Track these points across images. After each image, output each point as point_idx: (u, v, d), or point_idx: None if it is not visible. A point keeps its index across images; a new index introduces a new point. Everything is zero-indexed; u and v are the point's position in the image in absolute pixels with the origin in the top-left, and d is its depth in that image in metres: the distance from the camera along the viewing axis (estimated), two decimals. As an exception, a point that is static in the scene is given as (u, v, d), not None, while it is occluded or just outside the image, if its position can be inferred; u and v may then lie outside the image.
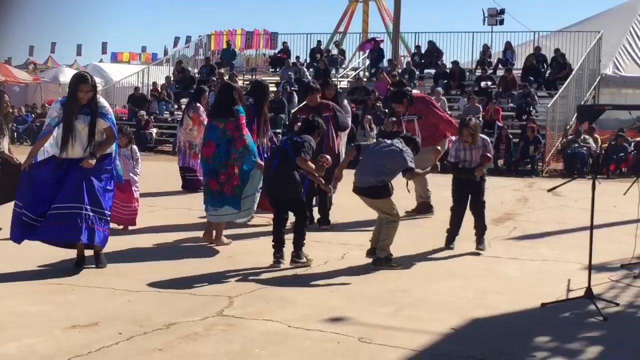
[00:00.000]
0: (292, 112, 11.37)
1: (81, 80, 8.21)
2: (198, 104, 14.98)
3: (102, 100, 8.43)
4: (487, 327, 6.74)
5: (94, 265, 8.40)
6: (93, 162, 8.16)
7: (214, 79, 28.73)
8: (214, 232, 9.88)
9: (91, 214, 8.11)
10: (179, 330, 6.37)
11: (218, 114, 9.84)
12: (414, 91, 14.61)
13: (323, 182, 9.26)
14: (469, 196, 9.84)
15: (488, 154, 9.81)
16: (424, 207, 12.46)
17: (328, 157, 9.38)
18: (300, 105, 11.71)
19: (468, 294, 7.77)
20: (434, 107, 12.51)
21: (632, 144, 20.89)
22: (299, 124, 10.05)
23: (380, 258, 8.79)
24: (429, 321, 6.78)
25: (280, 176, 8.78)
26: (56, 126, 8.20)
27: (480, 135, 9.83)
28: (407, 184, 9.51)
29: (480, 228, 9.84)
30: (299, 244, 8.81)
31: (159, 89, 30.21)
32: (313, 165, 8.88)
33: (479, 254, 9.60)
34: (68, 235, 8.16)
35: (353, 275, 8.43)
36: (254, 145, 9.83)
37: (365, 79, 28.71)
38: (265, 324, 6.63)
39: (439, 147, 11.14)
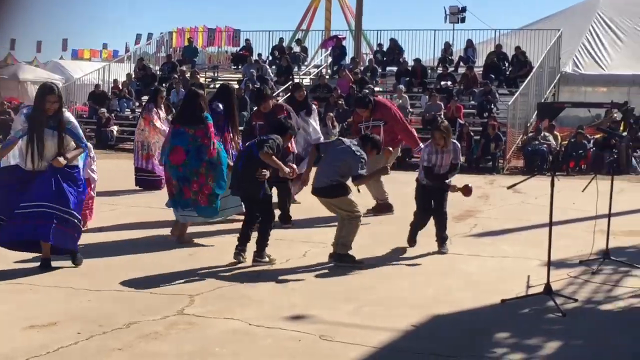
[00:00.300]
0: (247, 119, 11.24)
1: (48, 91, 8.11)
2: (151, 105, 15.03)
3: (67, 115, 8.29)
4: (448, 324, 6.78)
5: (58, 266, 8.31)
6: (64, 162, 8.08)
7: (176, 76, 28.57)
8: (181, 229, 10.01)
9: (60, 214, 8.02)
10: (139, 329, 6.33)
11: (186, 120, 9.77)
12: (378, 97, 14.54)
13: (286, 170, 9.18)
14: (432, 203, 9.71)
15: (469, 186, 9.72)
16: (383, 207, 12.40)
17: (295, 168, 9.56)
18: (254, 110, 11.59)
19: (429, 291, 7.81)
20: (397, 114, 12.57)
21: (591, 141, 21.10)
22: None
23: (341, 255, 8.79)
24: (390, 318, 6.81)
25: (245, 176, 8.78)
26: (20, 139, 8.11)
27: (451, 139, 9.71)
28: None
29: (441, 239, 9.71)
30: (262, 244, 8.80)
31: (120, 86, 29.99)
32: (278, 161, 8.86)
33: (439, 253, 9.63)
34: (39, 234, 8.03)
35: (315, 273, 8.43)
36: (225, 154, 9.84)
37: (327, 77, 28.70)
38: (226, 322, 6.61)
39: (390, 149, 11.02)
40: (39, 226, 7.93)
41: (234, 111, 10.50)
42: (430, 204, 9.71)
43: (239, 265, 8.67)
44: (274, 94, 25.38)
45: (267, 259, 8.79)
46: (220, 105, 10.35)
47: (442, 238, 9.69)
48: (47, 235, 7.96)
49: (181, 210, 9.79)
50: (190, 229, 10.19)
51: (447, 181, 9.68)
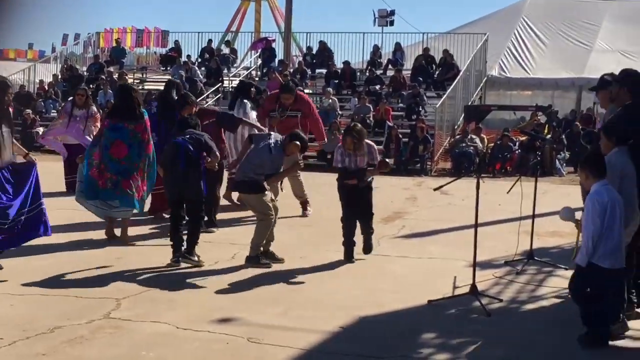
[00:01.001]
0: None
1: (7, 85, 8.28)
2: (68, 104, 14.90)
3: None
4: (375, 325, 6.83)
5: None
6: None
7: (103, 77, 28.23)
8: (115, 228, 10.16)
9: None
10: (64, 334, 6.24)
11: (124, 115, 9.86)
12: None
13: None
14: (358, 205, 9.32)
15: (386, 160, 9.64)
16: (304, 205, 12.45)
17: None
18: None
19: (357, 293, 7.85)
20: (313, 108, 12.71)
21: (517, 143, 21.45)
22: None
23: (250, 257, 8.78)
24: (318, 320, 6.83)
25: (189, 178, 8.81)
26: None
27: (366, 141, 9.28)
28: (280, 184, 9.54)
29: (368, 246, 9.42)
30: (192, 243, 8.85)
31: (46, 87, 29.48)
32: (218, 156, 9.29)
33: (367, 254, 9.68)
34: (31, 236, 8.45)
35: (243, 276, 8.41)
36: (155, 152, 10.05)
37: (257, 78, 28.65)
38: (153, 325, 6.56)
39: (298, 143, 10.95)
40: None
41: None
42: (355, 205, 9.29)
43: (167, 269, 8.61)
44: (203, 96, 25.31)
45: (196, 259, 8.81)
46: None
47: (368, 246, 9.43)
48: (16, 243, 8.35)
49: (98, 202, 9.86)
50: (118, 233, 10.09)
51: (366, 179, 9.29)
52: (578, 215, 6.88)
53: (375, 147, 9.59)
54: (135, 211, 10.10)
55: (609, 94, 7.17)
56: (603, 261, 6.18)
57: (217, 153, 9.18)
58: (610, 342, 6.35)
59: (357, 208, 9.28)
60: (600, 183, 6.28)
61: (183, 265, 8.69)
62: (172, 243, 8.86)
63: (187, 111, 10.55)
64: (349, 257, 9.22)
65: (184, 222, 8.98)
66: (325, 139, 12.53)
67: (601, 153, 6.56)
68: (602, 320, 6.27)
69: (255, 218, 9.18)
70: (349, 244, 9.27)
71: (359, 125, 9.60)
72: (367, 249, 9.41)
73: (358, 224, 9.34)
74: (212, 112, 11.31)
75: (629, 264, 6.80)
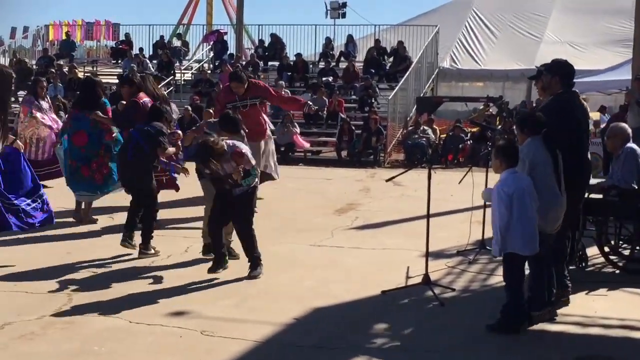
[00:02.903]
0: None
1: (12, 77, 8.42)
2: (30, 97, 14.56)
3: None
4: (329, 316, 6.85)
5: None
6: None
7: (53, 70, 27.86)
8: (82, 210, 10.84)
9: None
10: (14, 330, 6.18)
11: (86, 105, 10.69)
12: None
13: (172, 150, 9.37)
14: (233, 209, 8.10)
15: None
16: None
17: (179, 132, 9.92)
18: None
19: (310, 284, 7.86)
20: (270, 89, 12.52)
21: (469, 134, 21.62)
22: None
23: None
24: (271, 312, 6.83)
25: (134, 167, 8.93)
26: None
27: (227, 141, 7.88)
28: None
29: (252, 257, 8.12)
30: (147, 236, 8.90)
31: (-6, 80, 28.99)
32: (172, 149, 9.28)
33: (320, 246, 9.70)
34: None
35: (196, 269, 8.37)
36: (121, 138, 10.41)
37: (209, 71, 28.51)
38: (105, 320, 6.51)
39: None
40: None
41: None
42: (226, 208, 8.04)
43: (119, 263, 8.57)
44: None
45: (152, 251, 8.87)
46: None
47: (253, 258, 8.11)
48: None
49: (81, 191, 10.70)
50: (66, 228, 10.01)
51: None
52: None
53: (243, 149, 7.97)
54: (99, 195, 10.78)
55: (541, 83, 7.26)
56: (522, 249, 6.30)
57: (167, 146, 9.02)
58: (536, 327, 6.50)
59: (226, 213, 8.10)
60: (509, 171, 6.41)
61: (136, 258, 8.66)
62: (124, 224, 9.01)
63: (126, 92, 10.49)
64: (214, 268, 8.02)
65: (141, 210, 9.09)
66: (309, 102, 12.42)
67: (514, 143, 6.67)
68: (518, 308, 6.40)
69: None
70: (217, 253, 8.15)
71: (210, 140, 7.79)
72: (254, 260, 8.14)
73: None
74: (142, 104, 10.81)
75: (561, 249, 6.95)
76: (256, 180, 8.17)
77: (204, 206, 8.92)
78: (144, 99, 10.18)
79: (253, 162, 8.05)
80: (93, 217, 10.86)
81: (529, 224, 6.29)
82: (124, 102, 10.43)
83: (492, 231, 6.49)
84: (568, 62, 7.26)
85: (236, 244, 8.71)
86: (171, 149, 9.22)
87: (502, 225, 6.29)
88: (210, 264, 8.12)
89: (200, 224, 9.27)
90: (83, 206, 10.86)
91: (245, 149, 7.99)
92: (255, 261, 8.09)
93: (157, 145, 8.88)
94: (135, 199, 9.11)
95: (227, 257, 8.25)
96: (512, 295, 6.42)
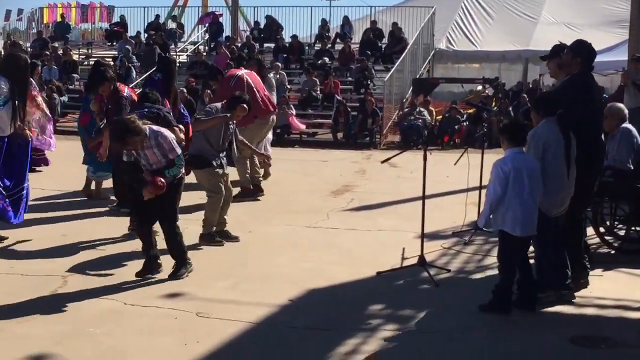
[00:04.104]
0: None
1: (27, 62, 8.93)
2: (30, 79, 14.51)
3: None
4: (325, 297, 6.85)
5: None
6: None
7: (47, 53, 27.74)
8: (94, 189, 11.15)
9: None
10: (10, 312, 6.17)
11: (90, 87, 10.89)
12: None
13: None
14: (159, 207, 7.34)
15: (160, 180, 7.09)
16: (247, 191, 11.47)
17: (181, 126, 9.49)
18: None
19: (306, 266, 7.86)
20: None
21: (465, 116, 21.59)
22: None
23: (204, 234, 8.71)
24: (267, 293, 6.83)
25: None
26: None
27: (150, 126, 7.21)
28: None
29: (179, 260, 7.41)
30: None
31: (-12, 63, 28.88)
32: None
33: (316, 227, 9.69)
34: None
35: (192, 250, 8.32)
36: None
37: (204, 53, 28.40)
38: (100, 302, 6.52)
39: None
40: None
41: (173, 81, 10.39)
42: (153, 205, 7.28)
43: (113, 245, 8.56)
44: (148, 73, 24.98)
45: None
46: (159, 75, 10.43)
47: (179, 261, 7.44)
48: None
49: (93, 169, 10.86)
50: (60, 211, 10.00)
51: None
52: None
53: (163, 132, 7.28)
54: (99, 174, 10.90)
55: (560, 61, 7.20)
56: (513, 228, 6.29)
57: (177, 129, 8.89)
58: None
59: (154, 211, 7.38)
60: (514, 150, 6.40)
61: (130, 240, 8.63)
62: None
63: (104, 88, 9.93)
64: (143, 272, 7.32)
65: None
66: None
67: (520, 122, 6.65)
68: (505, 288, 6.42)
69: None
70: (147, 257, 7.42)
71: (128, 117, 7.31)
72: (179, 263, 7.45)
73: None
74: (124, 97, 10.60)
75: (575, 231, 6.93)
76: (182, 171, 7.32)
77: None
78: (125, 90, 10.01)
79: (178, 151, 7.27)
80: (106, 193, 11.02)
81: (523, 206, 6.27)
82: (97, 102, 10.30)
83: (484, 204, 6.48)
84: (592, 46, 7.20)
85: (231, 225, 8.73)
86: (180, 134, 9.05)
87: (493, 201, 6.32)
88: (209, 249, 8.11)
89: (194, 208, 9.26)
90: (94, 186, 11.14)
91: (170, 136, 7.30)
92: (180, 263, 7.36)
93: (167, 126, 8.68)
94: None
95: (159, 261, 7.44)
96: (503, 274, 6.43)
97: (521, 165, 6.30)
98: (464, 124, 21.07)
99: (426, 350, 5.67)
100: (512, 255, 6.42)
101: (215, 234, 8.73)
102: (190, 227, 9.05)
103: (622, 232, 8.79)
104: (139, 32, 31.36)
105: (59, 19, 34.00)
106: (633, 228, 8.71)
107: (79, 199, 11.09)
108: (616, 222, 8.79)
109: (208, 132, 8.62)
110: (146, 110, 8.63)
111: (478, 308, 6.44)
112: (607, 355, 5.69)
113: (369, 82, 23.93)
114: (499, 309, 6.40)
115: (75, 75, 26.18)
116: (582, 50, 7.08)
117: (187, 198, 11.21)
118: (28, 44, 32.02)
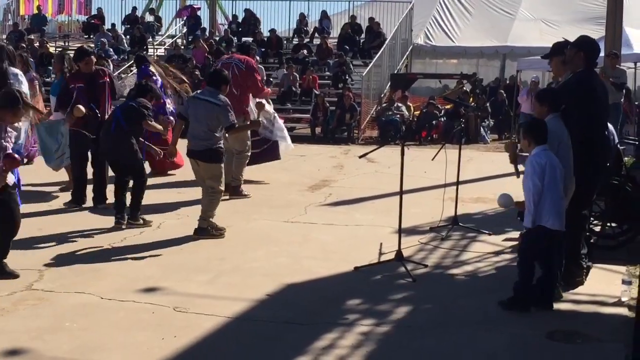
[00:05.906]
0: (62, 83, 10.60)
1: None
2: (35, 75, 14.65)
3: None
4: (302, 292, 6.86)
5: None
6: None
7: (24, 45, 27.52)
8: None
9: None
10: (-15, 306, 6.13)
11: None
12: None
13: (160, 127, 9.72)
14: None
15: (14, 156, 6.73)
16: (235, 191, 11.26)
17: (172, 118, 10.36)
18: (72, 72, 10.69)
19: (283, 260, 7.86)
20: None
21: (442, 111, 21.66)
22: None
23: (203, 228, 8.70)
24: (245, 288, 6.83)
25: (116, 142, 9.14)
26: None
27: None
28: None
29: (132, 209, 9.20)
30: (136, 206, 9.13)
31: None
32: (159, 126, 9.57)
33: (294, 222, 9.69)
34: None
35: (169, 245, 8.34)
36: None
37: (182, 47, 28.31)
38: (77, 296, 6.48)
39: (264, 101, 11.09)
40: None
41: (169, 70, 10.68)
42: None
43: (90, 238, 8.52)
44: (126, 66, 24.91)
45: (141, 221, 9.08)
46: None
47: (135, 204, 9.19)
48: None
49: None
50: (36, 203, 9.94)
51: None
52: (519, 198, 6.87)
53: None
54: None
55: (563, 58, 7.22)
56: (546, 221, 6.29)
57: (151, 119, 9.31)
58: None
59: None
60: (541, 147, 6.39)
61: (107, 232, 8.64)
62: (114, 205, 9.12)
63: (85, 64, 10.14)
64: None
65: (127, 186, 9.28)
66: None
67: (543, 121, 6.63)
68: (527, 286, 6.40)
69: (183, 188, 9.10)
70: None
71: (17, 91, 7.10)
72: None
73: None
74: (107, 74, 10.61)
75: (576, 228, 6.93)
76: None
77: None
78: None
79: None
80: None
81: (560, 199, 6.31)
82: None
83: (526, 204, 6.41)
84: (595, 41, 7.23)
85: (219, 218, 8.72)
86: (157, 126, 9.51)
87: (534, 195, 6.26)
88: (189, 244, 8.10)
89: (167, 201, 9.22)
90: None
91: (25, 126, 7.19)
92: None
93: (141, 117, 9.09)
94: (121, 176, 9.23)
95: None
96: (523, 272, 6.41)
97: (553, 162, 6.30)
98: (442, 119, 21.14)
99: (403, 345, 5.69)
100: (539, 251, 6.39)
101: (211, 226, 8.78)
102: (167, 221, 9.05)
103: (597, 228, 8.85)
104: (113, 24, 31.18)
105: (35, 11, 33.71)
106: (608, 224, 8.78)
107: (54, 192, 11.04)
108: (592, 219, 8.84)
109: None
110: (132, 102, 8.90)
111: (498, 304, 6.44)
112: (583, 350, 5.72)
113: (347, 77, 23.95)
114: (520, 306, 6.39)
115: (51, 67, 25.99)
116: (585, 46, 7.10)
117: (166, 195, 11.25)
118: (4, 36, 31.77)
